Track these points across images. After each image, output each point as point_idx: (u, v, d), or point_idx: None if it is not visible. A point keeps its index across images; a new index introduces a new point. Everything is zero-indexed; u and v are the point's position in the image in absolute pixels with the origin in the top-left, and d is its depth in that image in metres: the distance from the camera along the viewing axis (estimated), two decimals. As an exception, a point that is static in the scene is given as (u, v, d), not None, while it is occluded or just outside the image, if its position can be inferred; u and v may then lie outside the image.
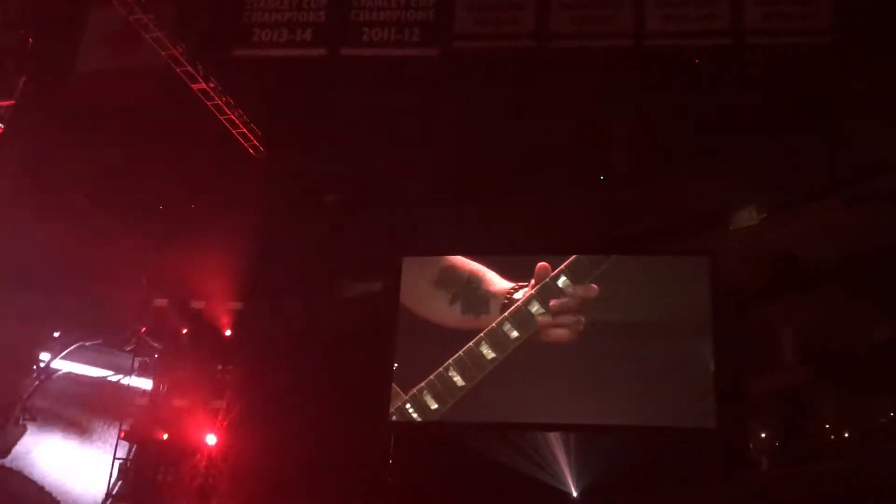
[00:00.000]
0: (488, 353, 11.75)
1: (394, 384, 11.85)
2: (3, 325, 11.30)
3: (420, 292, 12.18)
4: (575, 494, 11.36)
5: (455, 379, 11.75)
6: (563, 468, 11.53)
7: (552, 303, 11.66)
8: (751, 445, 11.52)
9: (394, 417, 11.78)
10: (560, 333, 11.57)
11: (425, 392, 11.78)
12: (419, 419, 11.78)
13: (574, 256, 11.76)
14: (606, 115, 11.98)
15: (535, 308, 11.76)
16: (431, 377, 11.74)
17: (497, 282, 12.02)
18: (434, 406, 11.74)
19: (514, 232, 12.26)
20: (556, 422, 11.63)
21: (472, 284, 12.09)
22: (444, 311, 12.04)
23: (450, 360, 11.75)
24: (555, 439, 11.66)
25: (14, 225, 11.56)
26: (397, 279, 12.25)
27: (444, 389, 11.75)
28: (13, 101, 12.01)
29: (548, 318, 11.61)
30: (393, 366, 11.91)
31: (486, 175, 12.13)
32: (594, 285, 11.60)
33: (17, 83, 12.13)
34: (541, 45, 11.58)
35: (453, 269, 12.22)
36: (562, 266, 11.81)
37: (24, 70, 11.98)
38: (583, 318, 11.54)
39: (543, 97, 11.73)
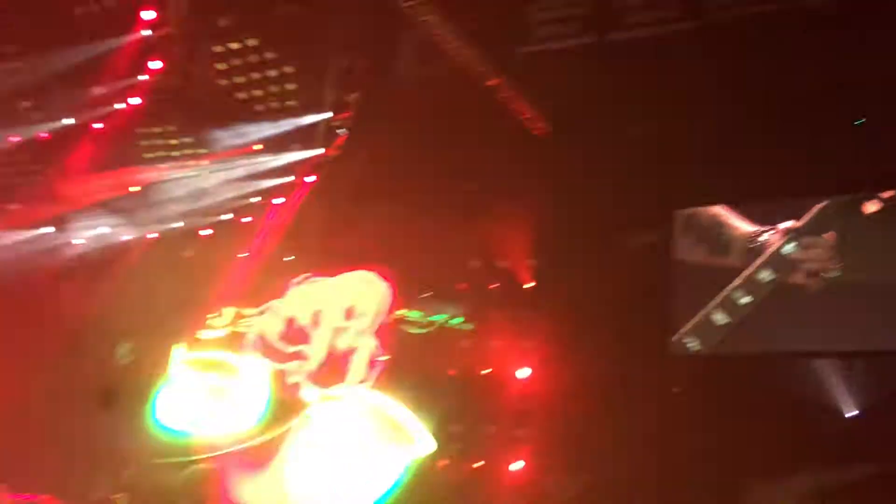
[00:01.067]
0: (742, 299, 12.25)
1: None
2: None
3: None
4: (853, 414, 11.70)
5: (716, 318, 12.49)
6: (840, 393, 11.87)
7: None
8: None
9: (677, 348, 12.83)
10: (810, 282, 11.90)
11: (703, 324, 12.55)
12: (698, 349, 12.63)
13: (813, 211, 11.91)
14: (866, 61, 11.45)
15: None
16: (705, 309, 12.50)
17: (738, 225, 12.49)
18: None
19: (778, 177, 12.35)
20: (831, 349, 11.92)
21: (713, 230, 12.67)
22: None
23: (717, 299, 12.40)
24: (831, 366, 11.99)
25: (356, 219, 13.86)
26: (671, 232, 13.19)
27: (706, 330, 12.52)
28: (350, 113, 14.17)
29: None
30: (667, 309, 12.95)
31: (748, 125, 12.30)
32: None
33: (350, 97, 14.16)
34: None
35: (693, 215, 12.87)
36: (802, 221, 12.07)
37: (355, 86, 14.04)
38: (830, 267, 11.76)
39: (803, 56, 11.61)
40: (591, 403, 12.57)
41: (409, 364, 13.41)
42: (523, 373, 13.40)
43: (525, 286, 13.84)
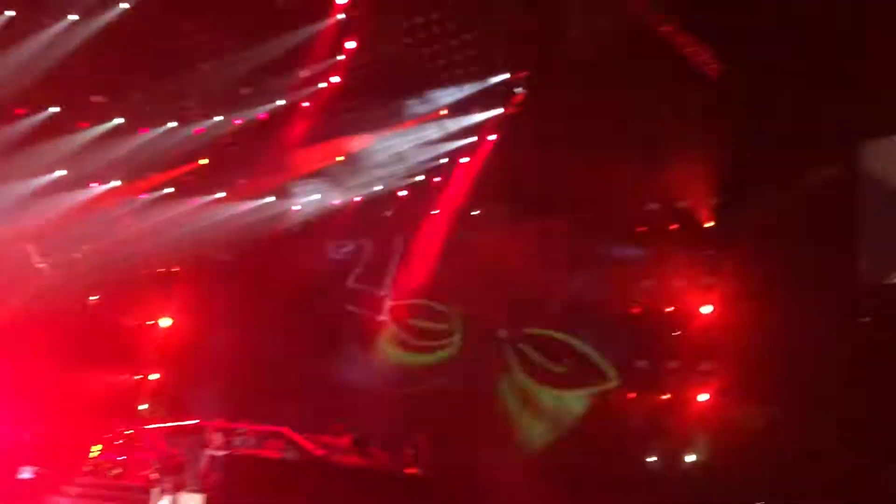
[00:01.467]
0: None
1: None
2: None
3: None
4: None
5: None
6: None
7: None
8: None
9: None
10: None
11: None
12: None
13: None
14: None
15: None
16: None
17: None
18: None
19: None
20: None
21: None
22: None
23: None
24: None
25: (538, 172, 14.55)
26: (860, 163, 12.76)
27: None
28: (527, 72, 14.96)
29: None
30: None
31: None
32: None
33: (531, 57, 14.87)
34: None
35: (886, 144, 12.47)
36: None
37: (531, 46, 14.64)
38: None
39: None
40: (776, 337, 12.51)
41: (595, 304, 14.09)
42: (706, 309, 13.59)
43: (705, 225, 13.87)
